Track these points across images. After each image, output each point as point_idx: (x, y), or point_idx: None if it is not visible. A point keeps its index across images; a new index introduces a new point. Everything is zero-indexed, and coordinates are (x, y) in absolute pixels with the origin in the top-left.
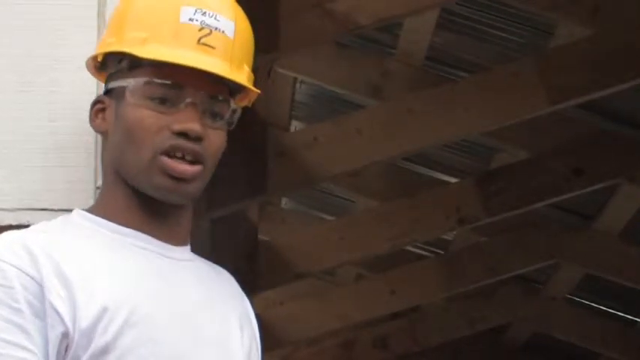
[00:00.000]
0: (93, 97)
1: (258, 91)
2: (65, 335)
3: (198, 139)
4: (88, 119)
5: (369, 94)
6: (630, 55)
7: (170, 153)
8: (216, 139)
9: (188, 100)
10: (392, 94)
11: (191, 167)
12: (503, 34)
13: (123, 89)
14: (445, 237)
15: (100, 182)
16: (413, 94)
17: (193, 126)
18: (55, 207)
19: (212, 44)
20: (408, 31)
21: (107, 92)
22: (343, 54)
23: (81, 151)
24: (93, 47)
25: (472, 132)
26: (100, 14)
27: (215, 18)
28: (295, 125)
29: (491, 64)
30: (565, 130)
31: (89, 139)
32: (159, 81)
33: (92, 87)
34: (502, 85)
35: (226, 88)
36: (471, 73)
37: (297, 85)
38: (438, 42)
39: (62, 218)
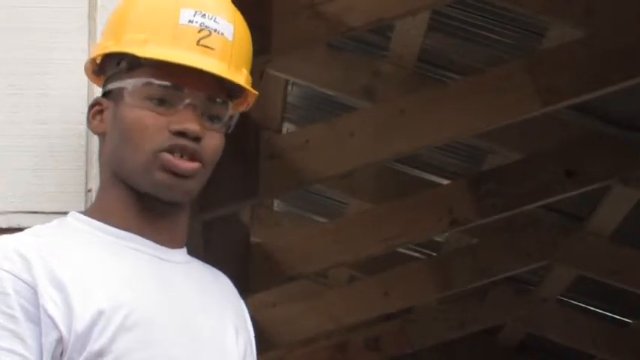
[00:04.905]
0: (84, 100)
1: (256, 92)
2: (59, 341)
3: (196, 138)
4: (79, 122)
5: (361, 96)
6: (622, 56)
7: (169, 152)
8: (214, 141)
9: (187, 101)
10: (384, 96)
11: (191, 164)
12: (495, 36)
13: (121, 90)
14: (437, 238)
15: (90, 185)
16: (405, 96)
17: (192, 126)
18: (47, 210)
19: (211, 46)
20: (399, 33)
21: (105, 94)
22: (335, 56)
23: (72, 154)
24: (84, 51)
25: (464, 134)
26: (91, 17)
27: (214, 20)
28: (287, 127)
29: (483, 65)
30: (557, 132)
31: (80, 141)
32: (158, 82)
33: (83, 90)
34: (494, 87)
35: (225, 90)
36: (463, 75)
37: (290, 87)
38: (430, 44)
39: (57, 221)
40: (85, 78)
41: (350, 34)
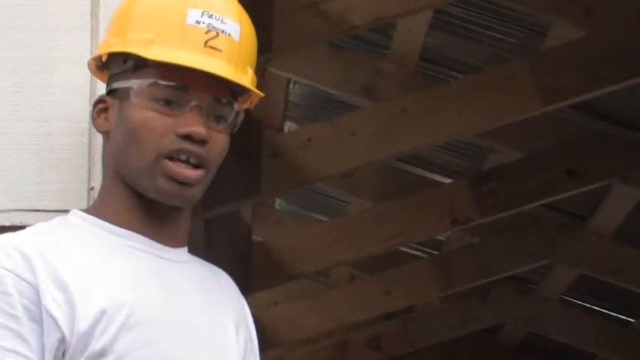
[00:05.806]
0: (87, 98)
1: (262, 94)
2: (62, 340)
3: (202, 142)
4: (81, 120)
5: (362, 94)
6: (623, 56)
7: (174, 156)
8: (219, 142)
9: (193, 102)
10: (386, 94)
11: (194, 172)
12: (497, 35)
13: (127, 90)
14: (439, 237)
15: (93, 183)
16: (406, 95)
17: (198, 129)
18: (49, 208)
19: (218, 47)
20: (401, 32)
21: (110, 92)
22: (337, 55)
23: (74, 152)
24: (87, 48)
25: (465, 133)
26: (94, 15)
27: (221, 21)
28: (289, 126)
29: (485, 64)
30: (558, 131)
31: (83, 140)
32: (164, 83)
33: (86, 88)
34: (495, 86)
35: (230, 91)
36: (465, 73)
37: (291, 85)
38: (432, 43)
39: (59, 219)
40: (88, 76)
41: (351, 32)
